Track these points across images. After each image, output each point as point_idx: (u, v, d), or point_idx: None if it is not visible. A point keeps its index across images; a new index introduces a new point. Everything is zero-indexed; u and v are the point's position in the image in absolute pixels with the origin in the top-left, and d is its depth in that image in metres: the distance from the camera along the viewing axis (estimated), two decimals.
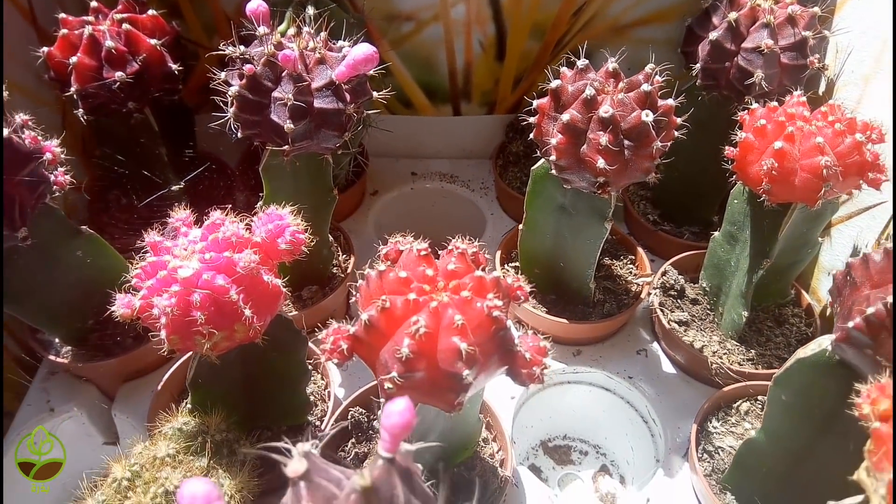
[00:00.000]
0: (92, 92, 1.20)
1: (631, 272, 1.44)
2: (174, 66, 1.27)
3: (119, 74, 1.20)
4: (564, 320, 1.31)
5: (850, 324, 0.83)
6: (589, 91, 1.00)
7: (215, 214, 0.90)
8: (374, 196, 1.74)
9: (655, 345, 1.40)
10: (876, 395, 0.73)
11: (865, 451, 0.71)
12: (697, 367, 1.31)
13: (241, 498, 0.91)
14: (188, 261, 0.85)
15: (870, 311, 0.81)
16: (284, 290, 0.92)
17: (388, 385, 0.80)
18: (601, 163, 1.00)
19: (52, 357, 1.25)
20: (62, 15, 1.23)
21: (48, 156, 0.98)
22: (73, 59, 1.19)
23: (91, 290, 1.19)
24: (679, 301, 1.40)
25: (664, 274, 1.41)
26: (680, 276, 1.42)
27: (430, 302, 0.78)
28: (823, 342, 0.92)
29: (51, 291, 1.14)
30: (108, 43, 1.19)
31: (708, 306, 1.39)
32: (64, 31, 1.21)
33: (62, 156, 1.00)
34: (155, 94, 1.28)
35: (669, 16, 1.50)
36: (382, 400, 0.90)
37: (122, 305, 0.87)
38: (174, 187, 1.26)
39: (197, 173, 1.30)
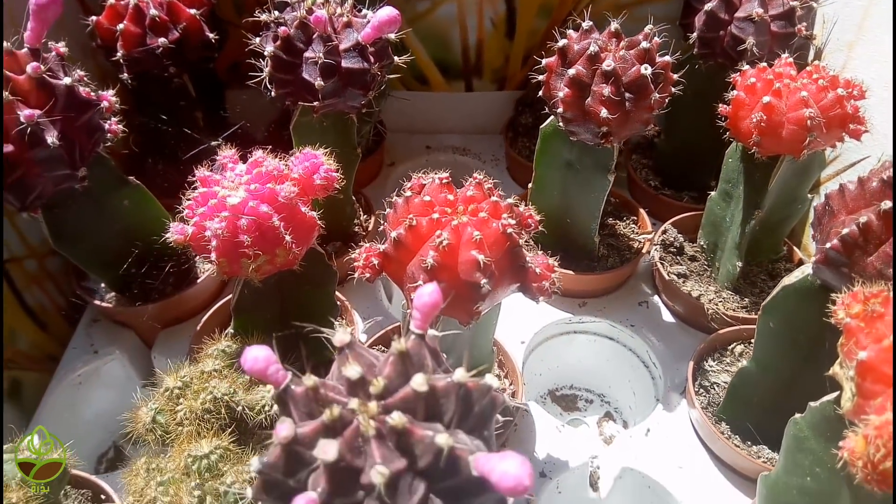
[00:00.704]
0: (136, 57, 1.31)
1: (633, 231, 1.54)
2: (211, 35, 1.38)
3: (162, 40, 1.31)
4: (571, 272, 1.41)
5: (828, 245, 0.93)
6: (593, 48, 1.10)
7: (258, 153, 1.01)
8: (391, 167, 1.84)
9: (656, 297, 1.50)
10: (849, 301, 0.82)
11: (838, 346, 0.81)
12: (695, 316, 1.41)
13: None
14: (235, 191, 0.96)
15: (844, 231, 0.91)
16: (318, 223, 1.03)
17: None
18: (604, 112, 1.10)
19: (97, 302, 1.36)
20: None
21: (105, 104, 1.08)
22: (120, 27, 1.30)
23: (135, 238, 1.30)
24: (678, 258, 1.50)
25: (664, 232, 1.51)
26: (679, 235, 1.52)
27: (452, 221, 0.89)
28: (806, 269, 1.01)
29: (99, 236, 1.24)
30: (153, 11, 1.30)
31: (705, 262, 1.49)
32: (111, 1, 1.32)
33: (117, 105, 1.11)
34: (193, 61, 1.39)
35: None
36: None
37: (175, 232, 0.98)
38: (213, 143, 1.37)
39: (231, 132, 1.40)
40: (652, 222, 1.57)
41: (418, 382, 0.64)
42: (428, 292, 0.71)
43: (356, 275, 0.94)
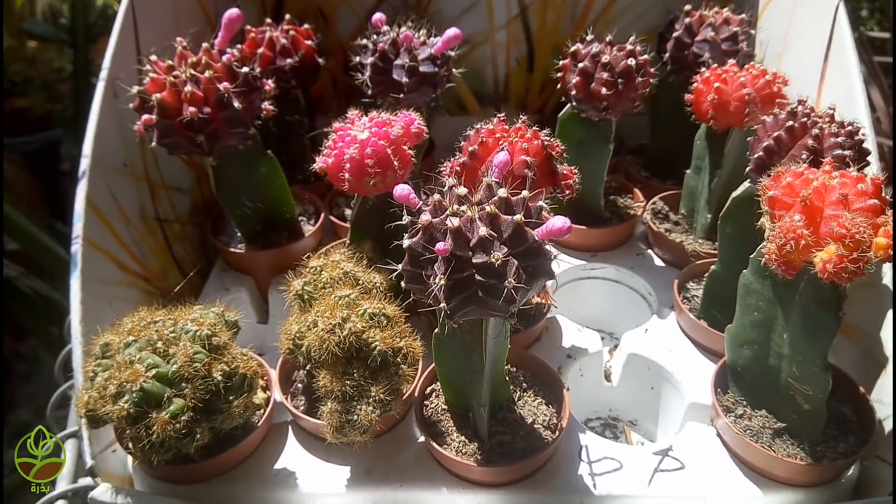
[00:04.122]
0: (269, 73, 1.84)
1: (630, 204, 2.01)
2: (320, 60, 1.92)
3: (289, 61, 1.85)
4: (584, 227, 1.88)
5: (756, 155, 1.41)
6: (595, 48, 1.63)
7: (373, 112, 1.51)
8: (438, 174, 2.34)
9: (649, 251, 1.95)
10: (770, 183, 1.29)
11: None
12: (680, 259, 1.86)
13: (387, 286, 1.45)
14: (362, 132, 1.44)
15: (766, 143, 1.39)
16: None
17: (485, 180, 1.37)
18: (604, 91, 1.61)
19: (231, 249, 1.82)
20: (248, 27, 1.89)
21: (267, 87, 1.60)
22: (259, 51, 1.84)
23: (264, 199, 1.78)
24: (665, 222, 1.96)
25: (654, 203, 1.99)
26: (665, 206, 1.99)
27: (508, 139, 1.37)
28: (746, 182, 1.48)
29: (244, 192, 1.72)
30: (282, 41, 1.84)
31: (686, 225, 1.96)
32: (252, 35, 1.87)
33: (273, 91, 1.62)
34: (306, 79, 1.92)
35: (650, 33, 2.15)
36: None
37: (320, 162, 1.46)
38: (326, 129, 1.88)
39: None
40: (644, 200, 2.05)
41: (501, 192, 1.10)
42: (502, 154, 1.18)
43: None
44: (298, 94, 1.95)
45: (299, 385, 1.50)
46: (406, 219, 1.14)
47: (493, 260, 1.02)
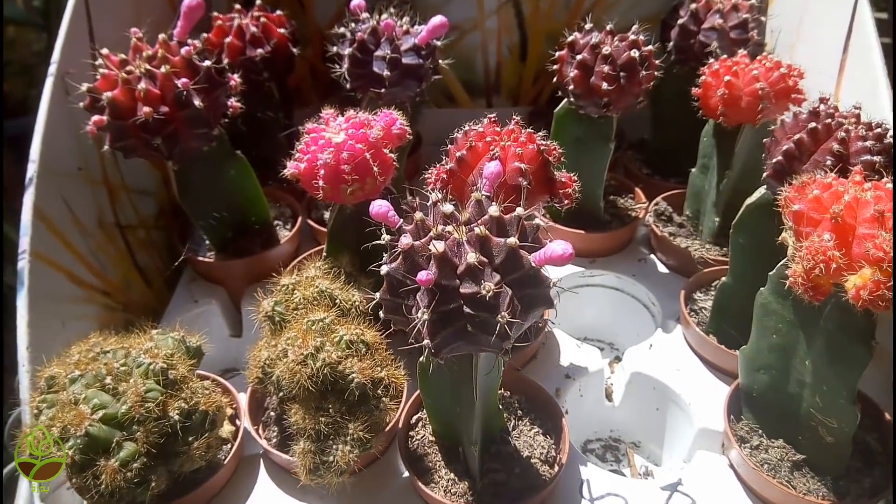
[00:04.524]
0: (239, 64, 1.68)
1: (630, 204, 1.88)
2: (295, 50, 1.76)
3: (259, 51, 1.69)
4: (582, 231, 1.74)
5: (774, 159, 1.27)
6: (595, 39, 1.48)
7: (349, 111, 1.36)
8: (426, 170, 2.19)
9: (652, 256, 1.82)
10: (793, 195, 1.15)
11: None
12: (685, 265, 1.73)
13: (365, 305, 1.31)
14: (338, 134, 1.30)
15: (785, 146, 1.25)
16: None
17: (475, 195, 1.23)
18: (605, 86, 1.46)
19: (200, 257, 1.67)
20: (215, 13, 1.73)
21: (232, 83, 1.44)
22: (227, 40, 1.68)
23: (235, 204, 1.63)
24: (668, 224, 1.83)
25: (656, 204, 1.85)
26: (668, 207, 1.86)
27: (500, 143, 1.23)
28: (762, 189, 1.35)
29: (212, 197, 1.57)
30: (252, 29, 1.68)
31: (691, 227, 1.82)
32: (219, 22, 1.71)
33: (240, 86, 1.46)
34: (280, 70, 1.76)
35: (654, 20, 2.00)
36: None
37: (291, 168, 1.31)
38: (300, 128, 1.72)
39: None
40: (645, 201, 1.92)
41: (493, 210, 0.96)
42: (493, 164, 1.04)
43: (429, 188, 1.27)
44: (272, 87, 1.79)
45: (272, 413, 1.37)
46: (385, 237, 1.00)
47: (485, 291, 0.88)
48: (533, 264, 0.93)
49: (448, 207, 0.97)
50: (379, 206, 1.01)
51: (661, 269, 1.79)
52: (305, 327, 1.19)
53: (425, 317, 0.90)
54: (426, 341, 0.92)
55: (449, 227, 0.95)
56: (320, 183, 1.29)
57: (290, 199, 1.85)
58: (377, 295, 0.99)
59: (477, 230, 0.92)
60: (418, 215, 0.97)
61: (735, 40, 1.73)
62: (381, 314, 1.00)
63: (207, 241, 1.68)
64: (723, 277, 1.58)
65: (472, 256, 0.90)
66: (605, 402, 1.60)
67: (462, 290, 0.91)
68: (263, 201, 1.69)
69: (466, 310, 0.92)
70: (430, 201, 1.00)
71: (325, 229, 1.74)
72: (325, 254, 1.44)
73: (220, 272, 1.71)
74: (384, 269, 0.96)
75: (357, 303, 1.31)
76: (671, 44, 1.81)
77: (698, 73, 1.68)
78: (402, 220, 1.01)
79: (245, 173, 1.61)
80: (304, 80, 2.14)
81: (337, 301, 1.29)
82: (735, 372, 1.44)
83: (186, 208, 1.55)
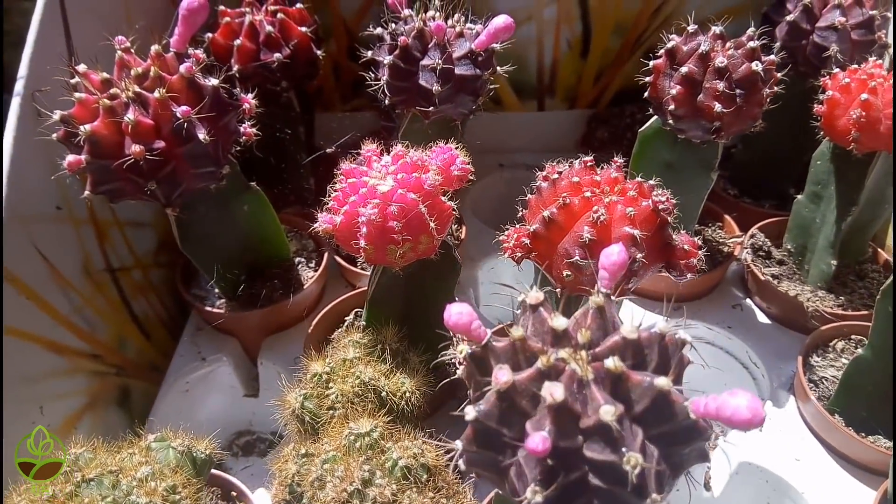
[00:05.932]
0: (251, 72, 1.37)
1: (720, 236, 1.57)
2: (318, 52, 1.44)
3: (277, 56, 1.37)
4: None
5: None
6: (704, 47, 1.16)
7: (398, 147, 1.05)
8: (467, 184, 1.89)
9: (749, 300, 1.52)
10: None
11: None
12: (792, 316, 1.43)
13: (420, 395, 1.03)
14: (384, 180, 1.00)
15: None
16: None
17: (566, 273, 0.93)
18: (718, 107, 1.15)
19: (208, 308, 1.38)
20: (221, 7, 1.41)
21: (246, 106, 1.14)
22: (237, 42, 1.37)
23: (249, 244, 1.34)
24: (767, 261, 1.52)
25: (752, 236, 1.54)
26: (766, 240, 1.55)
27: (603, 199, 0.93)
28: None
29: (222, 240, 1.28)
30: (268, 28, 1.36)
31: (794, 265, 1.52)
32: (226, 19, 1.39)
33: (256, 108, 1.16)
34: (301, 76, 1.45)
35: (741, 11, 1.67)
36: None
37: (324, 222, 1.01)
38: (328, 150, 1.42)
39: (344, 140, 1.45)
40: None
41: (628, 330, 0.67)
42: (616, 251, 0.74)
43: (505, 255, 0.98)
44: (291, 96, 1.48)
45: None
46: (462, 350, 0.72)
47: (628, 467, 0.60)
48: (692, 415, 0.65)
49: (559, 322, 0.68)
50: (459, 315, 0.71)
51: (761, 317, 1.49)
52: (347, 443, 0.91)
53: (538, 498, 0.62)
54: None
55: (562, 353, 0.66)
56: (362, 243, 0.99)
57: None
58: (457, 444, 0.70)
59: (609, 364, 0.63)
60: (517, 332, 0.68)
61: (858, 42, 1.41)
62: (462, 464, 0.72)
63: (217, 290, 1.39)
64: (851, 340, 1.30)
65: (607, 411, 0.61)
66: (703, 492, 1.31)
67: (588, 454, 0.63)
68: (283, 238, 1.40)
69: (594, 481, 0.64)
70: (527, 304, 0.71)
71: (356, 270, 1.45)
72: (363, 322, 1.15)
73: (232, 324, 1.42)
74: (470, 415, 0.67)
75: (408, 394, 1.03)
76: (777, 43, 1.48)
77: (813, 81, 1.37)
78: (489, 333, 0.71)
79: (261, 208, 1.31)
80: (326, 79, 1.82)
81: (384, 394, 1.01)
82: (872, 465, 1.16)
83: (189, 254, 1.26)
